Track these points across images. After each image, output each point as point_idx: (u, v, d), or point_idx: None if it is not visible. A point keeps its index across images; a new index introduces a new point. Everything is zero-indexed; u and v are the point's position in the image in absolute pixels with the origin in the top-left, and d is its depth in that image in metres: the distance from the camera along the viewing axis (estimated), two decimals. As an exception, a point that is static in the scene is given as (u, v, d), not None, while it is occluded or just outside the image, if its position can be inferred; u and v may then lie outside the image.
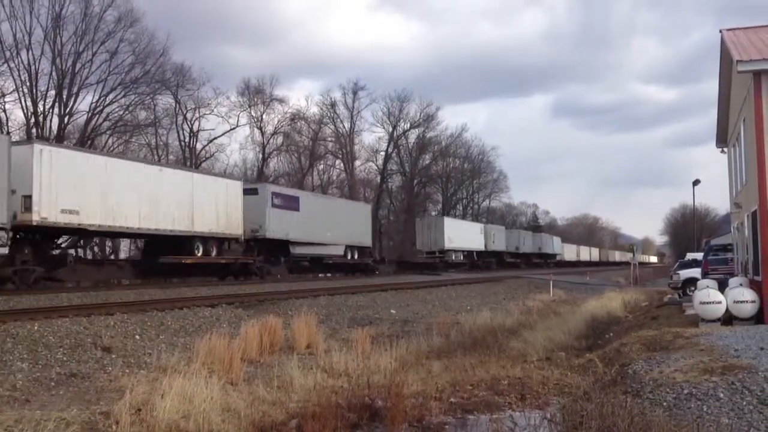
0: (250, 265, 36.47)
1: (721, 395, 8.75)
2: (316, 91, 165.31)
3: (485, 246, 69.73)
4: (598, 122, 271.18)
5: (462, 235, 63.65)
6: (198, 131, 64.02)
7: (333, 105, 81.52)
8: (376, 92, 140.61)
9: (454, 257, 61.89)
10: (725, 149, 25.70)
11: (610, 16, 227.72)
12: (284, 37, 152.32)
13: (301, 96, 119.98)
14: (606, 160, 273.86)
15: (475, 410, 10.25)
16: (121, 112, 53.43)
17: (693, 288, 23.03)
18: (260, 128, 70.00)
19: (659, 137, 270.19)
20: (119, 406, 9.02)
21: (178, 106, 60.80)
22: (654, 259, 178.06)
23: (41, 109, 48.68)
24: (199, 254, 32.12)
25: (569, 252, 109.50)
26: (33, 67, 48.05)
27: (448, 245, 59.69)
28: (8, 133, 46.25)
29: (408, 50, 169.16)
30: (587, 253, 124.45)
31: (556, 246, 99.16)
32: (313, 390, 10.97)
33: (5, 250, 22.52)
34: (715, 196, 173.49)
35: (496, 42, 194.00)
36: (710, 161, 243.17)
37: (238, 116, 67.33)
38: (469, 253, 66.24)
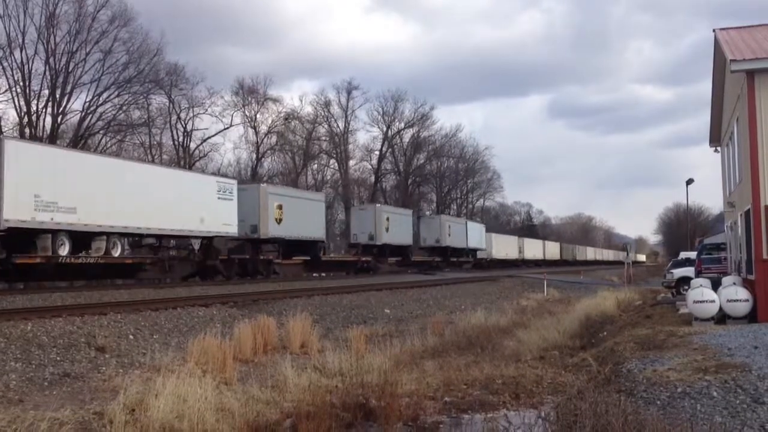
0: None
1: (715, 394, 8.78)
2: (315, 91, 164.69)
3: (264, 230, 36.08)
4: (593, 122, 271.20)
5: (157, 202, 28.79)
6: (192, 131, 63.98)
7: (327, 104, 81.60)
8: (373, 92, 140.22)
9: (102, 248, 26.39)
10: (718, 148, 25.77)
11: (607, 17, 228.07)
12: (282, 37, 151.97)
13: (298, 96, 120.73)
14: (601, 160, 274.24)
15: (470, 409, 10.26)
16: (114, 112, 53.39)
17: (686, 287, 23.06)
18: (254, 128, 70.05)
19: (654, 137, 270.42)
20: (113, 405, 8.99)
21: (171, 105, 60.78)
22: (643, 257, 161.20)
23: (34, 108, 48.60)
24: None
25: (503, 246, 79.60)
26: (26, 67, 47.98)
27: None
28: (1, 132, 46.22)
29: (406, 51, 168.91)
30: (539, 250, 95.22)
31: (473, 237, 67.91)
32: (307, 390, 10.94)
33: None
34: (709, 196, 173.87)
35: (493, 43, 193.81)
36: (705, 161, 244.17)
37: (232, 116, 67.36)
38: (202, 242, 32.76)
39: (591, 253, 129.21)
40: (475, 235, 69.08)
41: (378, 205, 56.83)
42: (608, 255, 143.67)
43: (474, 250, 69.35)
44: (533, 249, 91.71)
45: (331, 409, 9.41)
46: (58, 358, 13.08)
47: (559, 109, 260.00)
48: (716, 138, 25.91)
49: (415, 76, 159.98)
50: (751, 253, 16.36)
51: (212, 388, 10.00)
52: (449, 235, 61.76)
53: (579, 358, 14.06)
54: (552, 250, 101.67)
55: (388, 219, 52.54)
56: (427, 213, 72.14)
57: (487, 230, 76.69)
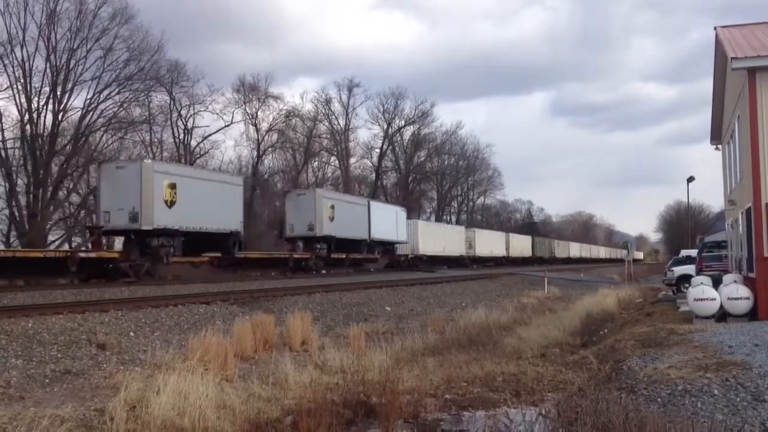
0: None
1: (716, 391, 8.77)
2: (316, 89, 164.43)
3: None
4: (596, 120, 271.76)
5: None
6: (192, 128, 64.01)
7: (328, 102, 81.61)
8: (375, 90, 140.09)
9: None
10: (720, 146, 25.76)
11: (610, 15, 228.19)
12: (284, 35, 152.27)
13: (299, 93, 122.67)
14: (603, 158, 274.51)
15: (470, 406, 10.27)
16: (115, 109, 53.30)
17: (687, 285, 23.07)
18: (255, 125, 70.03)
19: (656, 135, 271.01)
20: (114, 402, 8.99)
21: (172, 102, 60.79)
22: (640, 255, 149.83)
23: (35, 105, 48.50)
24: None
25: (438, 239, 60.80)
26: (27, 64, 47.90)
27: None
28: (2, 129, 46.28)
29: (408, 48, 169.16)
30: (499, 245, 78.04)
31: (382, 225, 49.11)
32: (308, 387, 10.95)
33: None
34: (710, 194, 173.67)
35: (496, 41, 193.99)
36: (706, 159, 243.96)
37: (233, 113, 67.34)
38: None
39: (576, 250, 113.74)
40: (385, 223, 49.38)
41: (147, 161, 34.52)
42: (600, 252, 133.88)
43: (388, 244, 51.46)
44: (490, 243, 74.21)
45: (332, 406, 9.41)
46: (59, 355, 13.07)
47: (561, 107, 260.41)
48: (717, 136, 25.89)
49: (418, 74, 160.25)
50: (751, 251, 16.35)
51: (213, 385, 10.00)
52: (332, 219, 42.71)
53: (580, 356, 14.07)
54: (519, 245, 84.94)
55: (173, 188, 31.10)
56: (324, 192, 47.85)
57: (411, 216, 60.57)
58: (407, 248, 55.32)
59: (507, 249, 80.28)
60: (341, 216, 43.80)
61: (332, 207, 43.54)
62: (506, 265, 71.44)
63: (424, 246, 57.48)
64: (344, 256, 44.73)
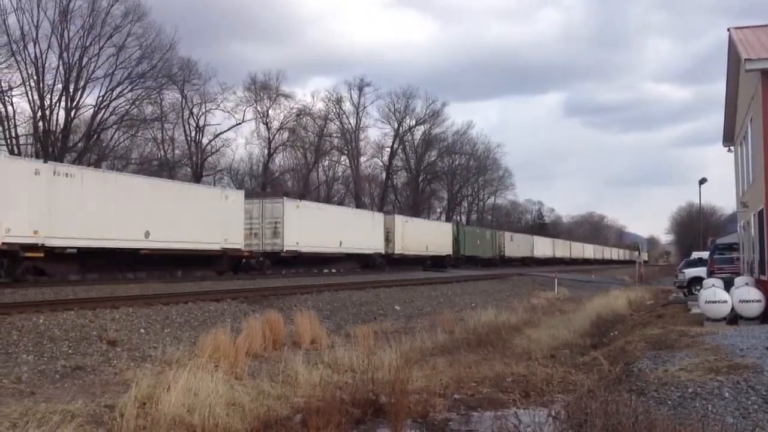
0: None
1: (726, 394, 8.72)
2: (328, 88, 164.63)
3: None
4: (609, 121, 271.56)
5: None
6: (204, 126, 64.22)
7: (339, 101, 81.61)
8: (386, 89, 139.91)
9: None
10: (732, 148, 25.62)
11: (625, 15, 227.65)
12: (297, 34, 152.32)
13: (310, 92, 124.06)
14: (615, 158, 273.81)
15: (479, 407, 10.26)
16: (127, 107, 53.59)
17: (698, 287, 22.97)
18: (266, 123, 70.14)
19: (669, 136, 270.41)
20: (124, 399, 9.03)
21: (184, 100, 61.01)
22: (645, 257, 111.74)
23: (48, 102, 48.80)
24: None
25: (175, 214, 28.05)
26: (40, 61, 48.22)
27: None
28: (15, 126, 46.55)
29: (421, 47, 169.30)
30: (372, 235, 44.41)
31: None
32: (317, 385, 10.97)
33: None
34: (723, 195, 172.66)
35: (510, 40, 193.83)
36: (720, 160, 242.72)
37: (244, 111, 67.47)
38: None
39: (545, 248, 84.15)
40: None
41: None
42: (586, 251, 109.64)
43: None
44: (336, 229, 40.24)
45: (340, 404, 9.42)
46: (69, 351, 13.15)
47: (574, 106, 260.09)
48: (730, 137, 25.76)
49: (430, 73, 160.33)
50: (764, 253, 16.27)
51: (223, 383, 10.03)
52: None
53: (590, 357, 14.02)
54: (426, 236, 52.20)
55: None
56: None
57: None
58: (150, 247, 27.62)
59: (389, 242, 47.46)
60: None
61: None
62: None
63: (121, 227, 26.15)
64: None
